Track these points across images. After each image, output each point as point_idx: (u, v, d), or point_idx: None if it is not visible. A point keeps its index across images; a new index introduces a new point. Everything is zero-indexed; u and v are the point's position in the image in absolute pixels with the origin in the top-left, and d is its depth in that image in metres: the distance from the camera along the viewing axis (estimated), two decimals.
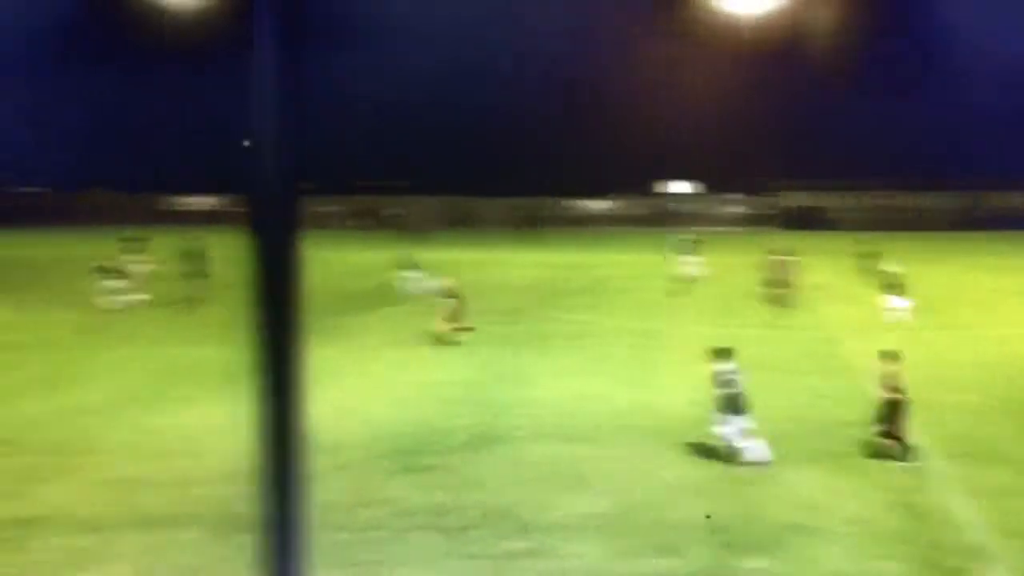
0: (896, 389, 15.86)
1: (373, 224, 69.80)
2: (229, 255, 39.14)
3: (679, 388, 20.60)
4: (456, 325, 26.80)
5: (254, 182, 4.07)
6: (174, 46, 75.63)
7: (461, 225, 74.65)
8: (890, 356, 16.16)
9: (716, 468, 15.43)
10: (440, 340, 26.38)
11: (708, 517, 13.42)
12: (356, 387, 21.25)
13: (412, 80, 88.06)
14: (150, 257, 38.12)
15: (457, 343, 26.16)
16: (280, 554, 4.34)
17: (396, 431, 17.73)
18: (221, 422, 17.75)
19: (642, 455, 16.19)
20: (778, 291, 33.07)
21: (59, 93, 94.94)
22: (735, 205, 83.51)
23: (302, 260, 4.00)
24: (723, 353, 16.32)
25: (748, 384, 16.11)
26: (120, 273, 33.50)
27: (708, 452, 15.96)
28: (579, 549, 12.32)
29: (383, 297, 35.75)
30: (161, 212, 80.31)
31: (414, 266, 36.33)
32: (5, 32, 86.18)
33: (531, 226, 71.18)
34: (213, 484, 14.62)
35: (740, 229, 76.13)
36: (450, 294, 27.31)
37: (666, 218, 77.57)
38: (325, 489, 13.42)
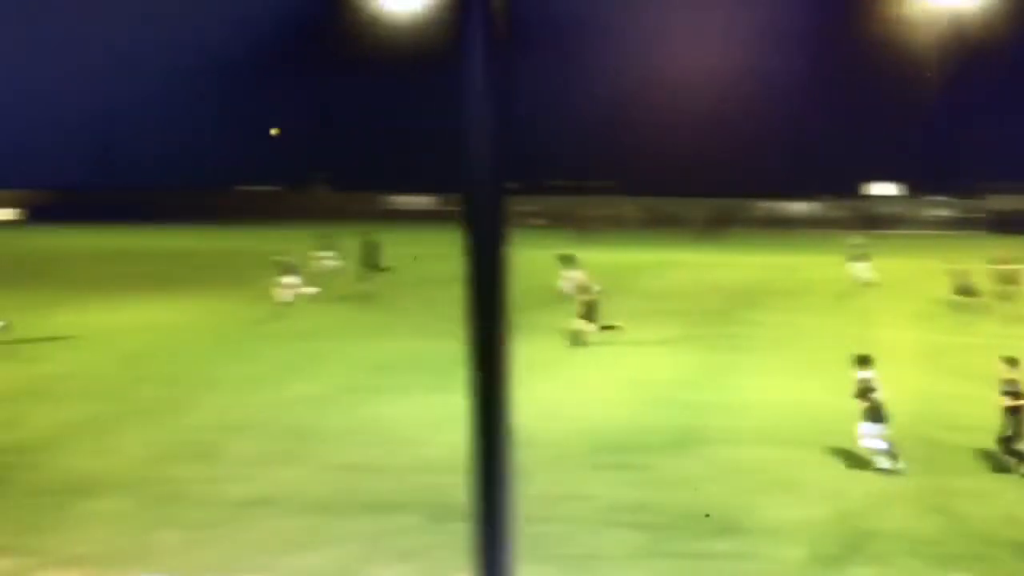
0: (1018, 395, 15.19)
1: (572, 224, 69.85)
2: (431, 252, 40.18)
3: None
4: (601, 324, 26.13)
5: (466, 182, 4.20)
6: (392, 51, 77.86)
7: (660, 226, 74.09)
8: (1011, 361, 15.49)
9: (922, 478, 15.01)
10: (576, 340, 25.88)
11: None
12: (561, 384, 21.43)
13: (612, 81, 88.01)
14: (339, 253, 39.42)
15: (586, 344, 25.56)
16: (490, 544, 4.43)
17: (600, 428, 17.85)
18: (437, 413, 18.29)
19: (845, 460, 15.87)
20: (979, 298, 31.57)
21: (288, 97, 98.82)
22: (940, 207, 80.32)
23: (510, 258, 4.14)
24: (864, 360, 15.86)
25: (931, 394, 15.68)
26: (295, 268, 34.31)
27: (908, 460, 15.53)
28: (781, 553, 12.21)
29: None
30: (381, 210, 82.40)
31: (574, 266, 36.39)
32: (238, 38, 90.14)
33: (731, 227, 70.11)
34: (431, 472, 15.05)
35: (945, 232, 73.19)
36: (586, 293, 26.59)
37: (869, 221, 75.18)
38: (531, 483, 13.66)
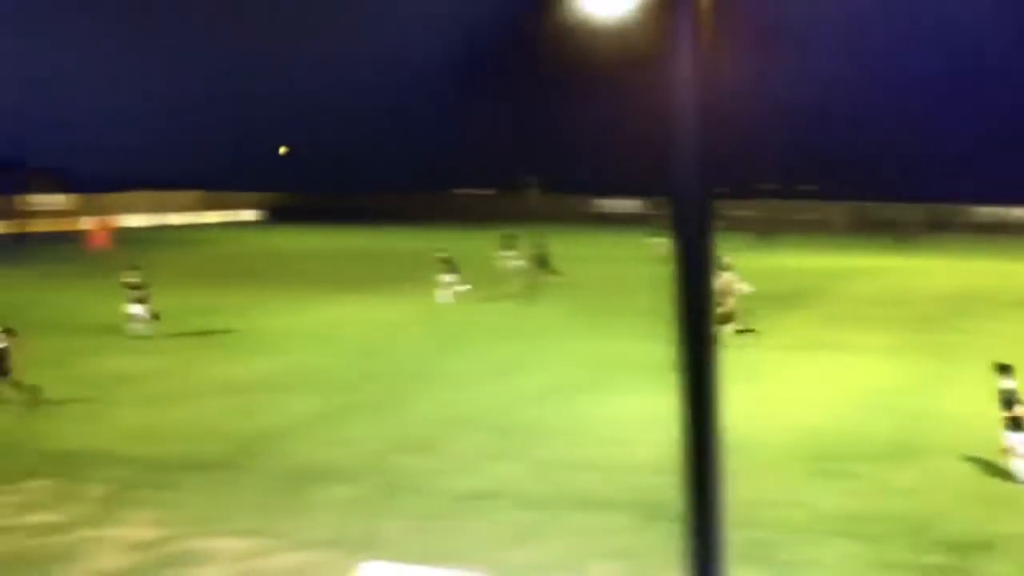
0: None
1: (781, 228, 68.30)
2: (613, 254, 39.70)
3: None
4: (738, 327, 25.33)
5: (673, 186, 4.16)
6: (600, 57, 77.98)
7: (870, 230, 71.63)
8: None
9: None
10: None
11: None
12: (769, 388, 20.97)
13: (820, 83, 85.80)
14: (520, 253, 39.81)
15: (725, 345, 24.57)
16: (701, 546, 4.37)
17: (813, 434, 17.36)
18: (645, 413, 18.20)
19: None
20: None
21: (500, 103, 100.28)
22: None
23: (716, 262, 4.07)
24: (1005, 369, 14.86)
25: None
26: (455, 266, 35.09)
27: None
28: (996, 569, 11.61)
29: (795, 299, 35.15)
30: (590, 213, 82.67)
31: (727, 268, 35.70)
32: (454, 47, 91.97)
33: (943, 232, 67.22)
34: (641, 472, 14.97)
35: None
36: (721, 294, 25.10)
37: None
38: (741, 487, 13.39)
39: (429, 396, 20.48)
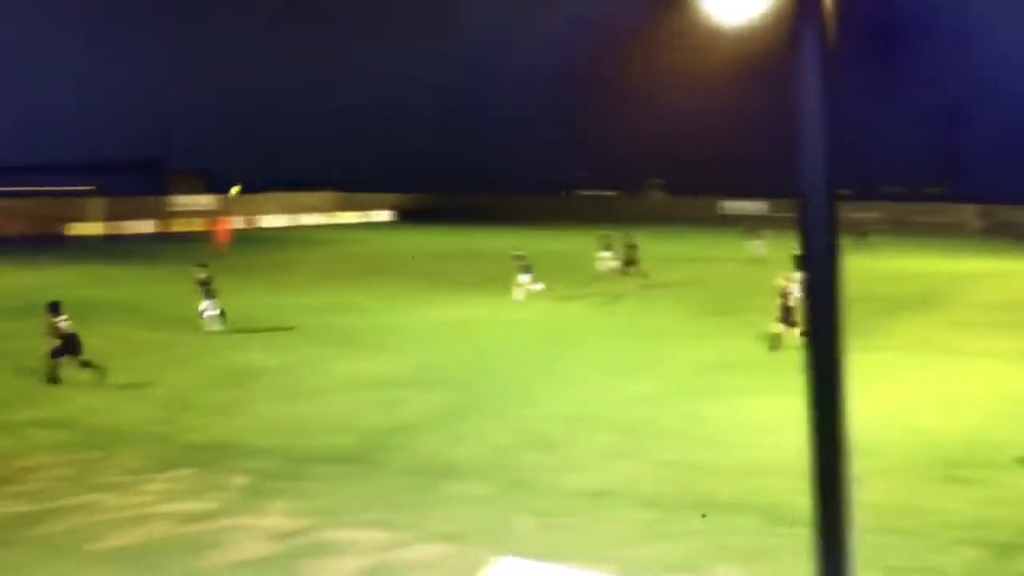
0: None
1: (903, 230, 66.67)
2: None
3: None
4: (804, 330, 24.36)
5: (800, 187, 4.14)
6: (724, 60, 77.17)
7: (1002, 233, 69.28)
8: None
9: None
10: (775, 344, 24.36)
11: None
12: (897, 392, 20.47)
13: (946, 85, 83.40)
14: (615, 254, 40.21)
15: (780, 348, 24.14)
16: (830, 550, 4.34)
17: (941, 439, 16.90)
18: (765, 415, 18.02)
19: None
20: None
21: (624, 106, 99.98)
22: None
23: (843, 263, 4.03)
24: None
25: None
26: (529, 265, 35.16)
27: None
28: None
29: (920, 303, 34.32)
30: (714, 215, 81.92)
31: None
32: (574, 49, 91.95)
33: None
34: (763, 475, 14.80)
35: None
36: (782, 296, 24.73)
37: None
38: (868, 491, 13.16)
39: (549, 394, 20.56)
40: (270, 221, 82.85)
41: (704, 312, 32.37)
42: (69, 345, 21.48)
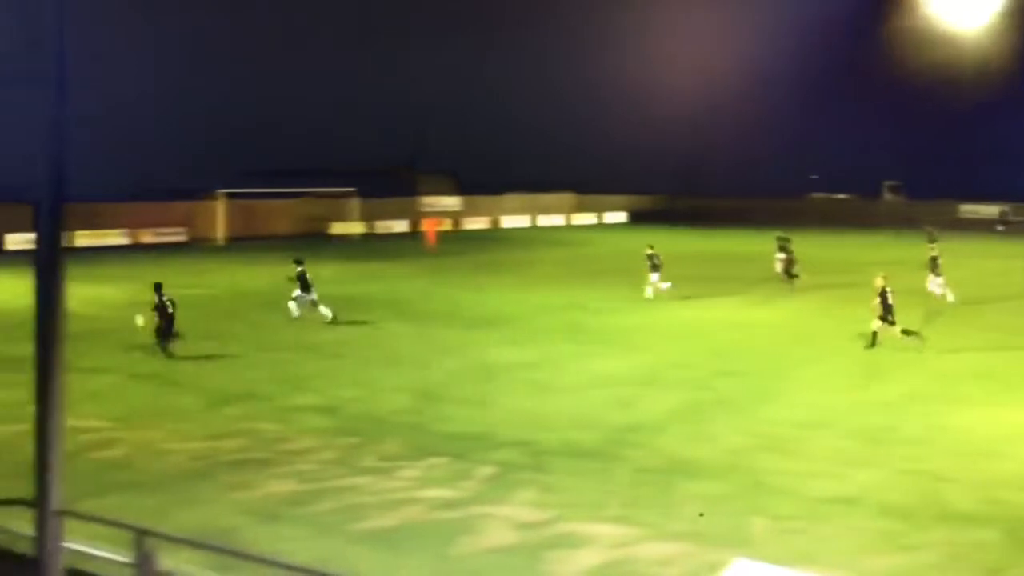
0: None
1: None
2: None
3: None
4: (903, 328, 24.69)
5: None
6: (962, 63, 73.63)
7: None
8: None
9: None
10: (873, 342, 24.72)
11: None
12: None
13: None
14: (789, 256, 39.21)
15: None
16: None
17: None
18: (1011, 426, 17.02)
19: None
20: None
21: (860, 109, 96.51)
22: None
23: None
24: None
25: None
26: (659, 264, 35.01)
27: None
28: None
29: None
30: (950, 219, 78.02)
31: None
32: (807, 55, 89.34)
33: None
34: (1008, 487, 14.02)
35: None
36: (880, 295, 24.89)
37: None
38: None
39: (784, 397, 20.07)
40: (512, 221, 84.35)
41: (949, 319, 30.81)
42: (169, 324, 24.16)
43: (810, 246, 54.31)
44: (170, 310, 24.21)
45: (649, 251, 35.80)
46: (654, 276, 34.94)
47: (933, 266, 34.05)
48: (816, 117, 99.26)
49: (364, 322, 29.69)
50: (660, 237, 68.14)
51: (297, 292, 29.61)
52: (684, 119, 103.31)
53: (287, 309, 29.56)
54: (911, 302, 29.14)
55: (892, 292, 25.09)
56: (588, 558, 11.67)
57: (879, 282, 25.21)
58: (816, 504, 13.51)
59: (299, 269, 29.93)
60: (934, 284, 33.76)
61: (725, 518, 12.95)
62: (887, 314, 24.82)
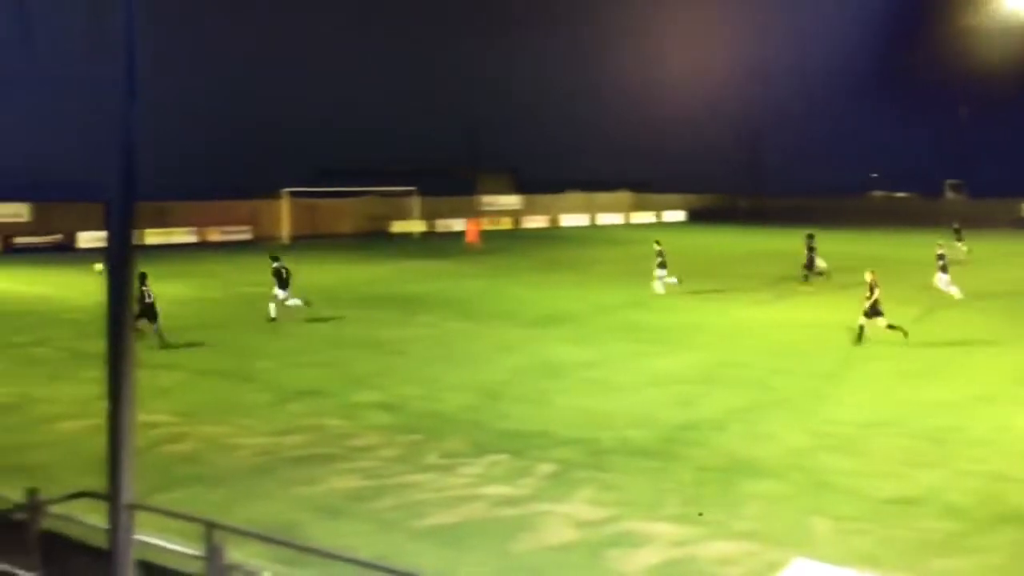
0: None
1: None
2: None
3: None
4: (888, 323, 24.98)
5: None
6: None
7: None
8: None
9: None
10: (859, 337, 25.10)
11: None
12: None
13: None
14: (810, 253, 39.14)
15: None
16: None
17: None
18: None
19: None
20: None
21: (913, 107, 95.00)
22: None
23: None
24: None
25: None
26: (665, 261, 35.42)
27: None
28: None
29: None
30: (1011, 218, 76.67)
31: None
32: (867, 53, 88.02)
33: None
34: None
35: None
36: (869, 289, 25.27)
37: None
38: None
39: (844, 397, 19.76)
40: (571, 220, 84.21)
41: (1018, 318, 30.24)
42: (148, 312, 25.04)
43: (872, 244, 53.58)
44: (147, 299, 25.13)
45: (656, 247, 35.84)
46: (661, 272, 35.22)
47: (943, 261, 33.81)
48: (876, 115, 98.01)
49: (425, 320, 29.80)
50: (720, 236, 67.76)
51: (276, 290, 29.10)
52: (744, 118, 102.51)
53: (267, 309, 29.29)
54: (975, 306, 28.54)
55: (879, 287, 25.47)
56: (649, 556, 11.56)
57: (868, 277, 25.59)
58: (879, 504, 13.26)
59: (275, 265, 29.40)
60: (941, 281, 33.33)
61: (787, 518, 12.76)
62: (873, 309, 25.30)
